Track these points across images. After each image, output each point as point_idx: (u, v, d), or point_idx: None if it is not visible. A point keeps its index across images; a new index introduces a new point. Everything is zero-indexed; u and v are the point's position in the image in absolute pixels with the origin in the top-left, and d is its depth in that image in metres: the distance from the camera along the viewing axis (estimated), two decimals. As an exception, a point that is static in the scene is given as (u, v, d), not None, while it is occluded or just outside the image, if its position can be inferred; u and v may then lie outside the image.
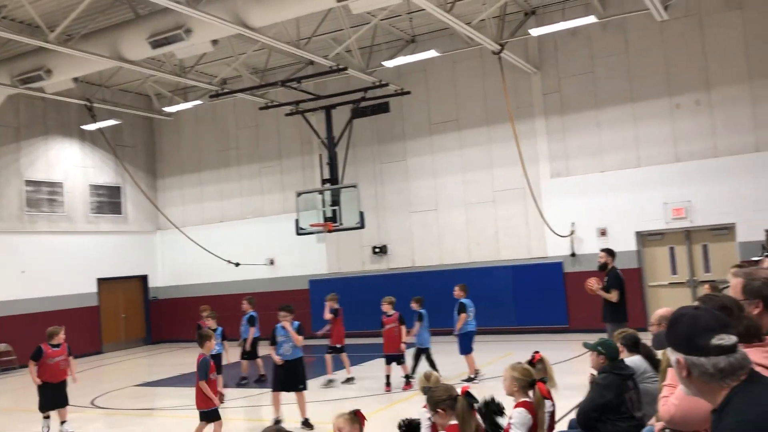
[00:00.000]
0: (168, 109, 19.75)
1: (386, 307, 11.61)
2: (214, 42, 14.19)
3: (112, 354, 20.20)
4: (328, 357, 12.34)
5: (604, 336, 10.76)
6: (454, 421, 4.36)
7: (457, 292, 11.89)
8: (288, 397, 9.51)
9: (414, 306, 11.97)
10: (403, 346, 11.50)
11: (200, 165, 22.15)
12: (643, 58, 15.91)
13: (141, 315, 22.29)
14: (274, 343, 9.48)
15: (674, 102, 15.63)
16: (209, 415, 8.02)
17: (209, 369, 7.95)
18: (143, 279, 22.41)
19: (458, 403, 4.40)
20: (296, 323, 9.44)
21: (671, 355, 2.34)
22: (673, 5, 14.19)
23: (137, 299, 22.30)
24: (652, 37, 15.78)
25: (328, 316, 12.47)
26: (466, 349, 11.67)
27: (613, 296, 10.42)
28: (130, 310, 21.94)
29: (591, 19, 14.33)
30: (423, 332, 11.71)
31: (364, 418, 4.77)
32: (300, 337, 9.34)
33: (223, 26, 12.48)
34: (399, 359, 11.49)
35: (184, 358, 18.05)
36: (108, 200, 21.30)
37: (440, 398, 4.47)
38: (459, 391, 4.60)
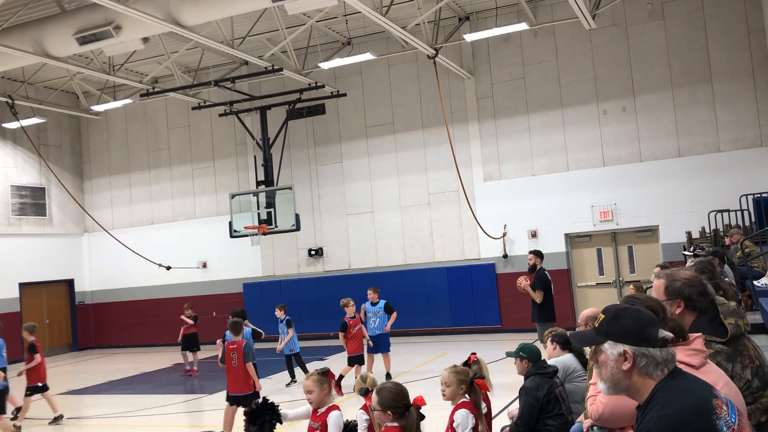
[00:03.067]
0: (96, 108, 19.10)
1: (351, 309, 11.53)
2: (145, 39, 13.85)
3: (35, 362, 19.36)
4: (27, 399, 10.62)
5: (535, 335, 11.09)
6: (394, 424, 4.27)
7: (374, 295, 12.24)
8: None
9: (279, 314, 12.39)
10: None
11: (130, 166, 21.54)
12: (572, 65, 16.40)
13: (67, 320, 21.48)
14: None
15: (601, 108, 16.18)
16: (248, 398, 8.28)
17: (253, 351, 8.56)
18: (69, 283, 21.59)
19: (411, 413, 4.30)
20: None
21: (610, 349, 2.36)
22: (600, 14, 14.68)
23: (63, 304, 21.47)
24: (580, 45, 16.29)
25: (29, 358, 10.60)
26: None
27: (538, 296, 10.72)
28: (54, 316, 21.10)
29: (523, 26, 14.67)
30: (294, 338, 12.32)
31: (333, 376, 5.17)
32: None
33: (154, 23, 12.17)
34: (362, 360, 11.55)
35: (113, 365, 17.51)
36: (31, 202, 20.44)
37: (396, 403, 4.30)
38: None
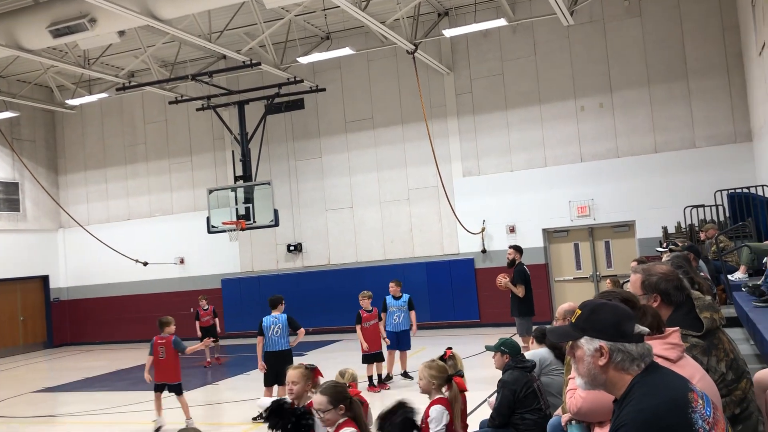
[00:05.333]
0: (71, 102, 18.82)
1: (366, 302, 10.97)
2: (121, 33, 13.64)
3: (8, 359, 19.10)
4: None
5: (513, 330, 11.15)
6: (346, 417, 4.30)
7: (396, 288, 11.42)
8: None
9: None
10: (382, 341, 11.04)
11: (106, 161, 21.28)
12: (550, 61, 16.48)
13: (41, 317, 21.19)
14: None
15: (579, 104, 16.29)
16: (175, 387, 9.37)
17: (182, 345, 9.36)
18: (44, 279, 21.30)
19: (355, 403, 4.38)
20: None
21: (587, 345, 2.36)
22: (578, 11, 14.77)
23: (37, 301, 21.18)
24: (558, 41, 16.37)
25: None
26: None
27: (519, 291, 10.75)
28: (28, 313, 20.81)
29: (501, 21, 14.71)
30: None
31: (320, 374, 5.07)
32: None
33: (130, 17, 12.01)
34: (381, 357, 10.93)
35: (89, 362, 17.32)
36: (4, 197, 20.12)
37: (344, 395, 4.38)
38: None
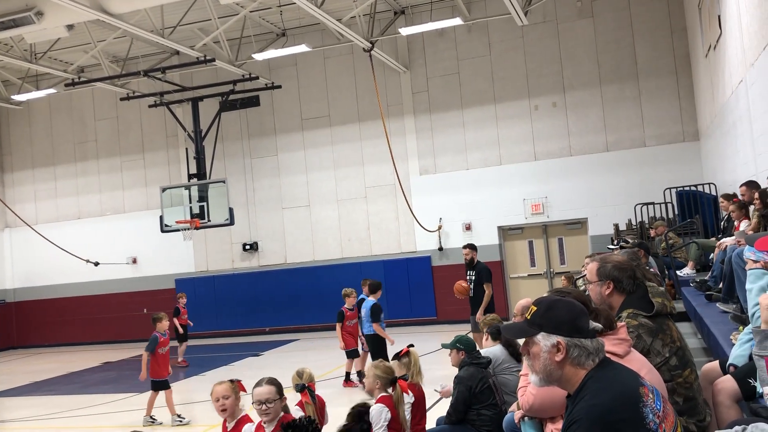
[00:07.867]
0: (17, 98, 18.24)
1: (351, 300, 10.85)
2: (70, 27, 13.30)
3: (-47, 364, 18.44)
4: None
5: (470, 327, 11.22)
6: (282, 413, 4.51)
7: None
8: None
9: None
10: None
11: (55, 158, 20.70)
12: (505, 60, 16.67)
13: (-13, 320, 20.52)
14: None
15: (533, 103, 16.52)
16: (160, 384, 9.41)
17: (158, 344, 9.37)
18: (-11, 281, 20.65)
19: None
20: None
21: (543, 341, 2.36)
22: (532, 11, 14.96)
23: (-18, 303, 20.50)
24: (513, 40, 16.57)
25: None
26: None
27: (489, 290, 10.71)
28: (-27, 316, 20.13)
29: (457, 20, 14.81)
30: None
31: (243, 388, 4.90)
32: None
33: (79, 10, 11.70)
34: (357, 353, 10.86)
35: (38, 365, 16.85)
36: (-54, 195, 19.41)
37: (282, 387, 4.61)
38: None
